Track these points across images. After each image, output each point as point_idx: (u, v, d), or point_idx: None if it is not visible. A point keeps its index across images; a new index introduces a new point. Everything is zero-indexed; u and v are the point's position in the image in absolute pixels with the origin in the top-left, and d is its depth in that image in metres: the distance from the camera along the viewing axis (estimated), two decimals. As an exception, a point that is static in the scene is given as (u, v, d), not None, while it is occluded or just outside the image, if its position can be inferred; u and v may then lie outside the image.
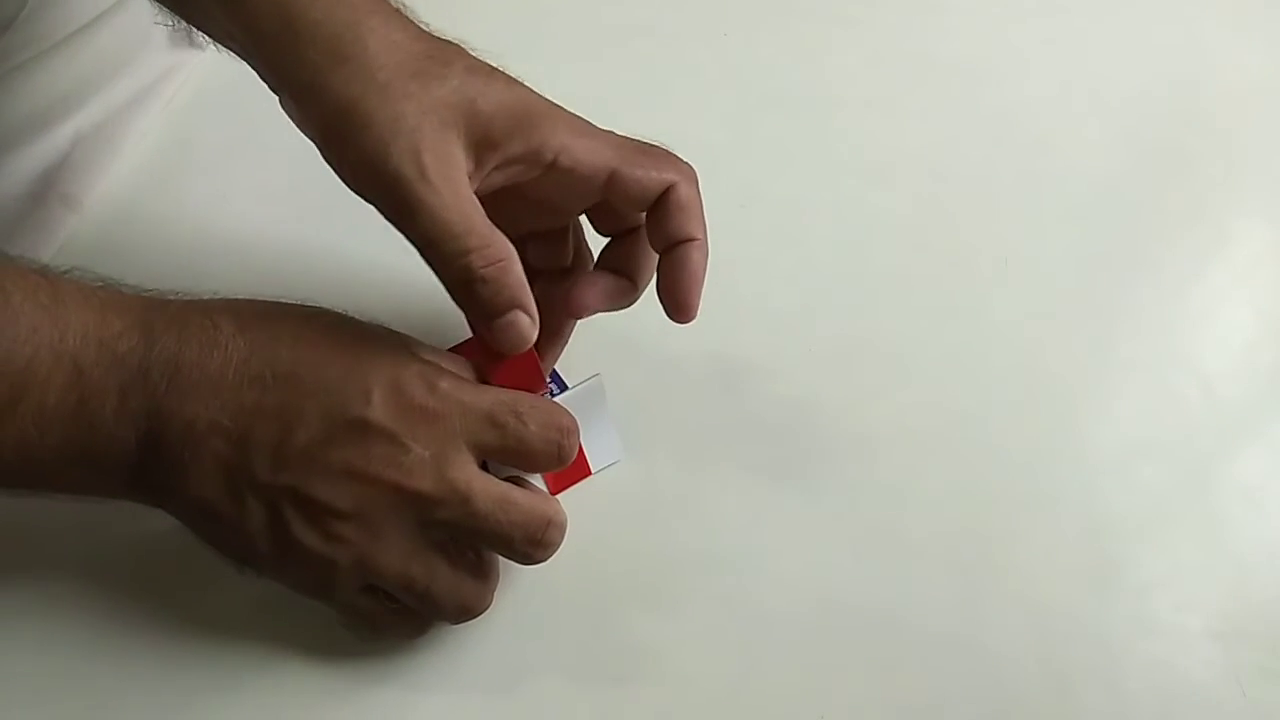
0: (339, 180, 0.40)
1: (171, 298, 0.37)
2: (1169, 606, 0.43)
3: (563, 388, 0.44)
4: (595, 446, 0.44)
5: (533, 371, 0.39)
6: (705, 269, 0.40)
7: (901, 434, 0.47)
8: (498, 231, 0.37)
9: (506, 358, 0.38)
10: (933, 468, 0.46)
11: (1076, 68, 0.61)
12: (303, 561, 0.36)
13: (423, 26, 0.40)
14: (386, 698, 0.40)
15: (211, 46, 0.49)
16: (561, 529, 0.38)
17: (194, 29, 0.43)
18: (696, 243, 0.40)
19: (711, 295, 0.51)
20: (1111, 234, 0.54)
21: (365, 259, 0.50)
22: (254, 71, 0.40)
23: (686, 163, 0.41)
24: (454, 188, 0.36)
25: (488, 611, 0.40)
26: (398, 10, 0.39)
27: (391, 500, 0.36)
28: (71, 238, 0.53)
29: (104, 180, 0.54)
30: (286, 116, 0.40)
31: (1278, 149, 0.57)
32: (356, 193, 0.38)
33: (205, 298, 0.38)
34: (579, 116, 0.40)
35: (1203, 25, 0.63)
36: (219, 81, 0.58)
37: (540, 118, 0.38)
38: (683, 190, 0.39)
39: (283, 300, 0.39)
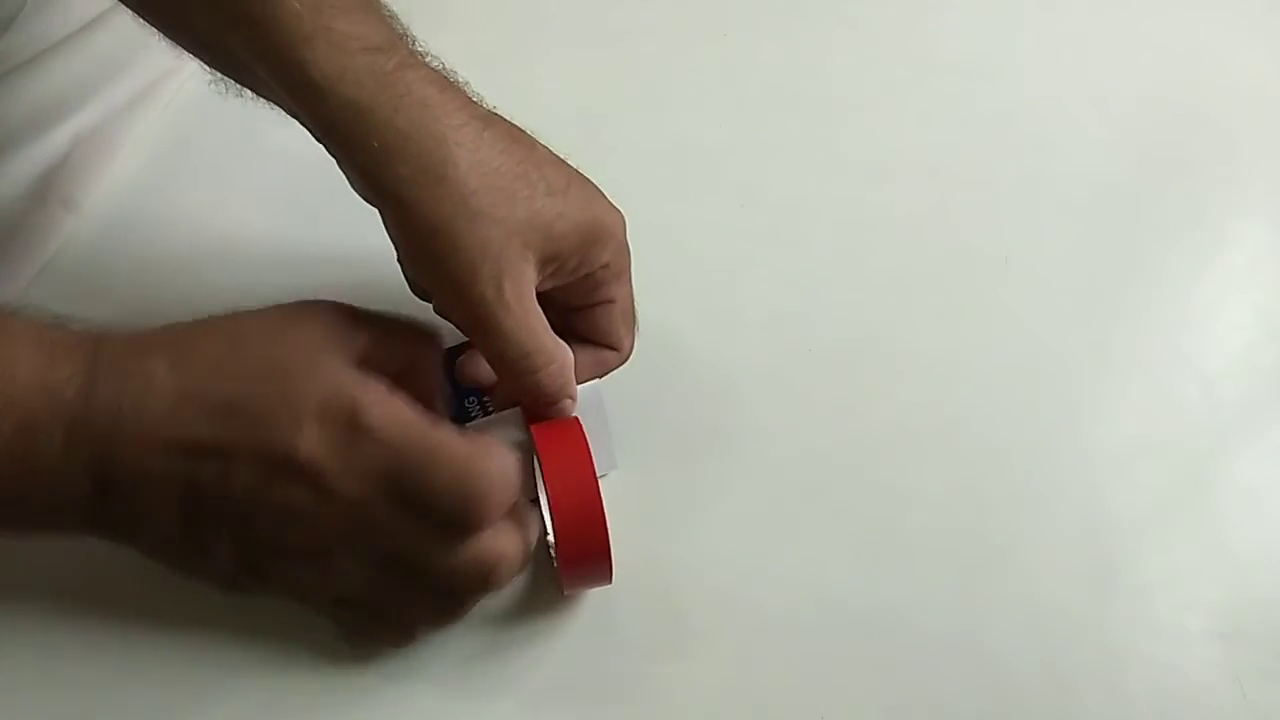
0: (338, 181, 0.40)
1: (117, 335, 0.37)
2: (1169, 606, 0.43)
3: None
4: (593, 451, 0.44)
5: (574, 428, 0.40)
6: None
7: (901, 434, 0.47)
8: (559, 343, 0.40)
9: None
10: (933, 468, 0.46)
11: (1076, 68, 0.61)
12: (278, 584, 0.38)
13: (496, 115, 0.41)
14: (383, 695, 0.40)
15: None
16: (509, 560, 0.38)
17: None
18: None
19: (712, 295, 0.51)
20: (1111, 234, 0.54)
21: (365, 259, 0.50)
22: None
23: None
24: (525, 307, 0.38)
25: (487, 610, 0.40)
26: (477, 110, 0.40)
27: (337, 532, 0.36)
28: (70, 239, 0.53)
29: (103, 181, 0.54)
30: (286, 118, 0.40)
31: (1278, 149, 0.57)
32: (435, 300, 0.41)
33: (147, 334, 0.37)
34: (618, 211, 0.42)
35: (1203, 25, 0.63)
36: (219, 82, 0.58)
37: (597, 238, 0.41)
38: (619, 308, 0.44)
39: (283, 303, 0.39)
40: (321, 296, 0.39)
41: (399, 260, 0.41)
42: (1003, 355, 0.49)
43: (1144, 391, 0.49)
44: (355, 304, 0.40)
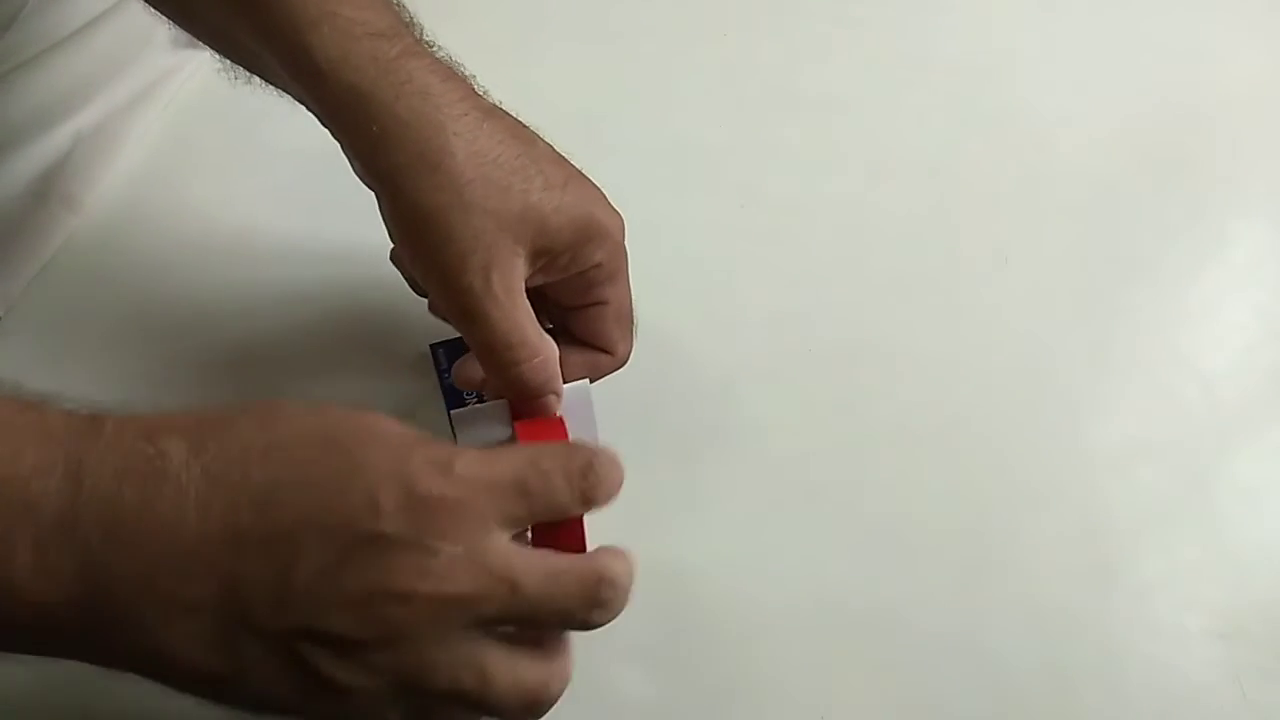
0: (339, 180, 0.40)
1: (108, 418, 0.30)
2: (1169, 606, 0.43)
3: None
4: None
5: (557, 428, 0.40)
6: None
7: (901, 434, 0.47)
8: (544, 337, 0.39)
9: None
10: (933, 468, 0.46)
11: (1076, 68, 0.61)
12: (339, 698, 0.30)
13: (498, 108, 0.40)
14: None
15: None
16: (615, 583, 0.33)
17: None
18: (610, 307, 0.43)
19: (711, 295, 0.51)
20: (1111, 234, 0.54)
21: (364, 258, 0.50)
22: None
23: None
24: (513, 299, 0.38)
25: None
26: (479, 102, 0.40)
27: (429, 613, 0.30)
28: (71, 238, 0.53)
29: (104, 180, 0.55)
30: (285, 117, 0.40)
31: (1278, 149, 0.57)
32: (414, 276, 0.41)
33: (145, 415, 0.30)
34: (616, 213, 0.42)
35: (1203, 25, 0.63)
36: (219, 81, 0.58)
37: (591, 236, 0.40)
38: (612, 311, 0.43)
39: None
40: (322, 293, 0.39)
41: (392, 249, 0.41)
42: (1002, 355, 0.49)
43: (1144, 391, 0.49)
44: (356, 302, 0.40)
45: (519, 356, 0.38)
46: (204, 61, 0.59)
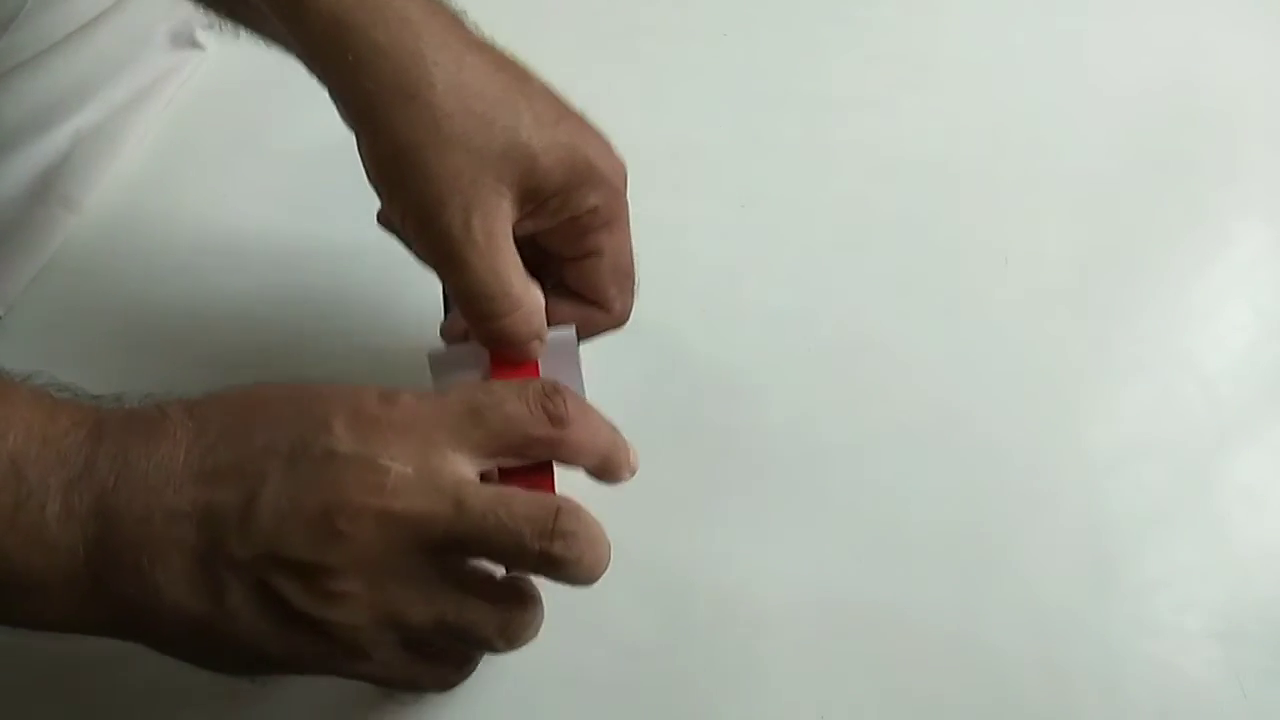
0: (338, 180, 0.40)
1: (131, 404, 0.33)
2: (1169, 606, 0.43)
3: None
4: None
5: (533, 372, 0.38)
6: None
7: (901, 434, 0.47)
8: (529, 288, 0.37)
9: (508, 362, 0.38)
10: (933, 468, 0.46)
11: (1076, 68, 0.61)
12: (318, 638, 0.32)
13: (489, 43, 0.38)
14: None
15: (211, 47, 0.49)
16: (577, 515, 0.33)
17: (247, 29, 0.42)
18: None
19: (712, 295, 0.51)
20: (1112, 234, 0.54)
21: (364, 258, 0.50)
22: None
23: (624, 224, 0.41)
24: (495, 244, 0.36)
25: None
26: (466, 35, 0.37)
27: (383, 533, 0.31)
28: (71, 238, 0.53)
29: (104, 180, 0.55)
30: (285, 118, 0.40)
31: (1278, 149, 0.57)
32: (392, 221, 0.38)
33: (167, 397, 0.34)
34: (617, 159, 0.40)
35: (1203, 25, 0.63)
36: (219, 81, 0.58)
37: (585, 179, 0.38)
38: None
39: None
40: (321, 294, 0.39)
41: (379, 209, 0.39)
42: (1003, 355, 0.49)
43: (1144, 391, 0.49)
44: (355, 303, 0.40)
45: (499, 308, 0.36)
46: (203, 61, 0.59)
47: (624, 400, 0.45)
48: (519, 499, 0.32)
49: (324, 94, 0.37)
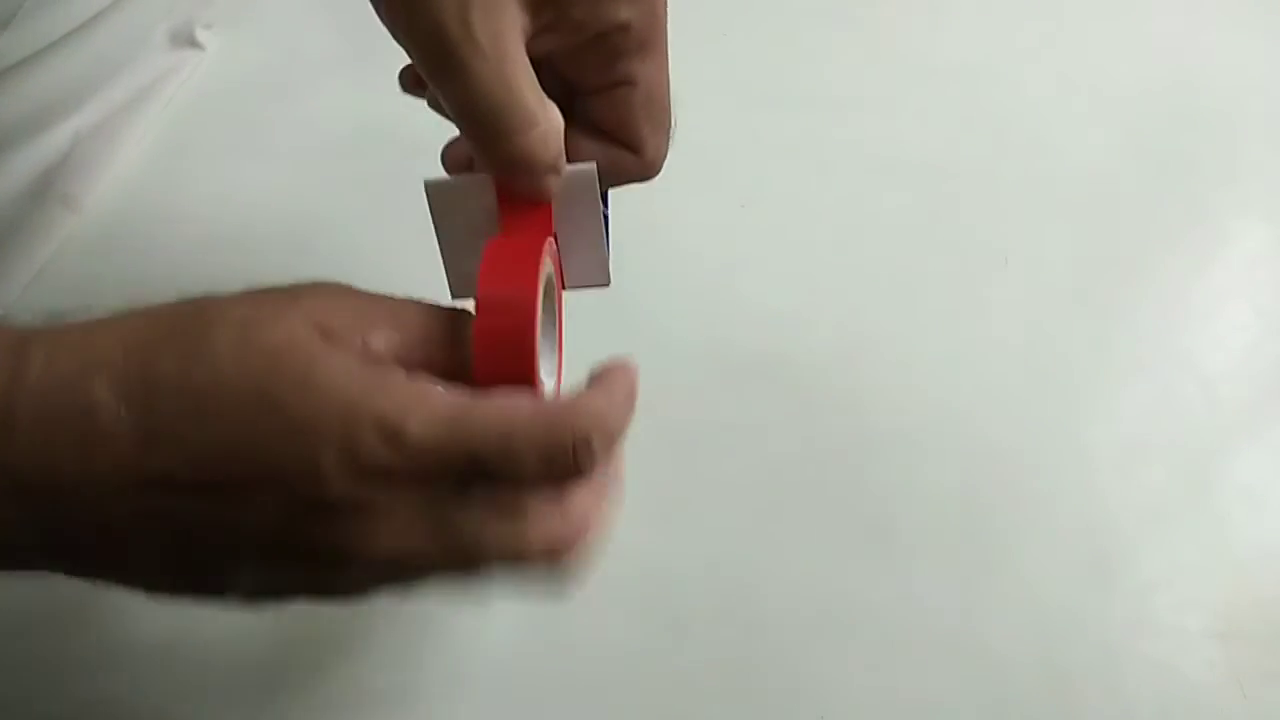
0: (338, 180, 0.39)
1: (36, 350, 0.27)
2: (1169, 606, 0.43)
3: None
4: (577, 259, 0.34)
5: (543, 217, 0.32)
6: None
7: (901, 434, 0.47)
8: (545, 103, 0.31)
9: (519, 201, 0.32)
10: (933, 467, 0.46)
11: (1076, 68, 0.61)
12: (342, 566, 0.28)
13: None
14: (381, 693, 0.40)
15: (211, 47, 0.49)
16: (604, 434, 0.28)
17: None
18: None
19: (712, 295, 0.51)
20: (1112, 234, 0.54)
21: (365, 258, 0.50)
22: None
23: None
24: (502, 50, 0.29)
25: (485, 613, 0.40)
26: None
27: (387, 566, 0.27)
28: (71, 238, 0.53)
29: (103, 180, 0.54)
30: (285, 117, 0.40)
31: (1278, 149, 0.57)
32: (394, 37, 0.31)
33: (78, 338, 0.27)
34: None
35: (1203, 25, 0.63)
36: (219, 81, 0.58)
37: None
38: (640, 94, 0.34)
39: (254, 289, 0.31)
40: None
41: (405, 65, 0.33)
42: (1003, 355, 0.49)
43: (1144, 391, 0.49)
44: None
45: (511, 123, 0.30)
46: (203, 61, 0.59)
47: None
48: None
49: (323, 94, 0.37)
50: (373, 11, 0.32)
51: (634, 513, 0.44)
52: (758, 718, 0.40)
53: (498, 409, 0.27)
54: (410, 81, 0.35)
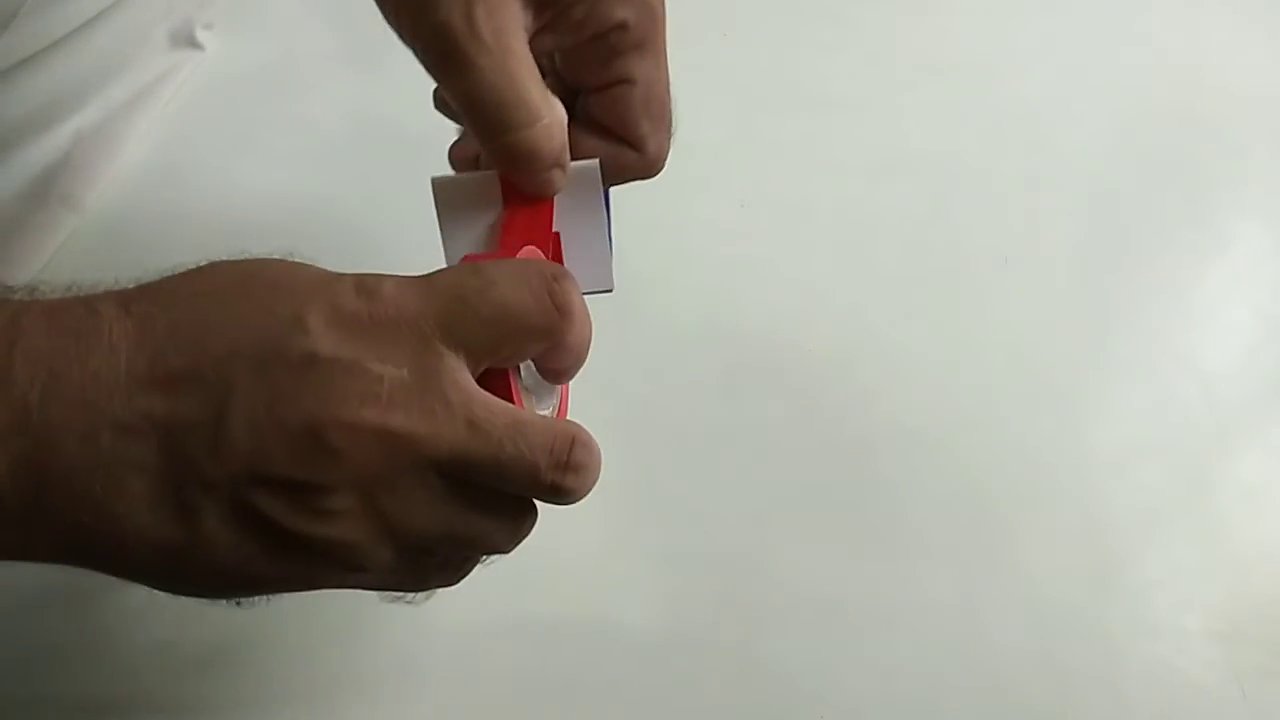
0: (338, 180, 0.39)
1: (46, 289, 0.30)
2: (1169, 606, 0.43)
3: None
4: (580, 258, 0.34)
5: (545, 215, 0.33)
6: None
7: (901, 434, 0.47)
8: (549, 98, 0.32)
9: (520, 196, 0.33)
10: (933, 468, 0.46)
11: (1076, 68, 0.61)
12: (311, 556, 0.28)
13: None
14: (381, 694, 0.40)
15: (211, 47, 0.49)
16: (589, 447, 0.29)
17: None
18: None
19: (712, 295, 0.51)
20: (1112, 234, 0.54)
21: (366, 258, 0.50)
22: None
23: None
24: (505, 45, 0.30)
25: (486, 613, 0.40)
26: None
27: (383, 449, 0.27)
28: (71, 238, 0.53)
29: (104, 180, 0.54)
30: (285, 117, 0.40)
31: (1278, 149, 0.57)
32: (400, 37, 0.32)
33: (88, 291, 0.30)
34: None
35: (1203, 25, 0.63)
36: (219, 81, 0.58)
37: None
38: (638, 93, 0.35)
39: None
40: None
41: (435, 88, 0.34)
42: (1002, 355, 0.49)
43: (1144, 392, 0.49)
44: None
45: (516, 117, 0.31)
46: (203, 61, 0.59)
47: (623, 399, 0.45)
48: (534, 426, 0.29)
49: (323, 94, 0.37)
50: (372, 11, 0.33)
51: (633, 512, 0.44)
52: (758, 716, 0.40)
53: (470, 265, 0.29)
54: (443, 101, 0.35)
